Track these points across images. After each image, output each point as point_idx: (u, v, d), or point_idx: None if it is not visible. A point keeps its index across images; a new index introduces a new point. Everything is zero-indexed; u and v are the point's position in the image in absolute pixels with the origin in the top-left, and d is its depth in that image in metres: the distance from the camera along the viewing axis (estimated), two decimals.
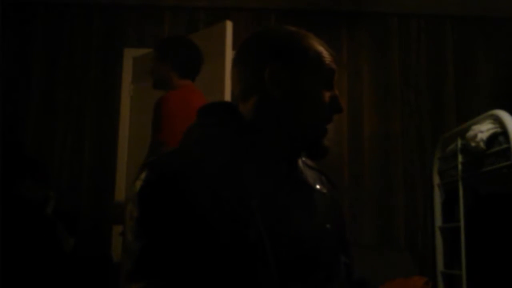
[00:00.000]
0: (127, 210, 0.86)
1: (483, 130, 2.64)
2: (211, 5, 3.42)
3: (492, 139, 2.59)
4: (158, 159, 0.91)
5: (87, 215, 3.18)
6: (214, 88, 2.66)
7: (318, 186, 0.99)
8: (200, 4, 3.43)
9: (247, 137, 0.93)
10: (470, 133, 2.71)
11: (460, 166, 2.86)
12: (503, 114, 2.57)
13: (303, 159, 1.02)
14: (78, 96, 3.36)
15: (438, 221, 3.16)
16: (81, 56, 3.40)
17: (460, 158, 2.87)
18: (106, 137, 3.30)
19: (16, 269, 2.34)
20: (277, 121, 0.92)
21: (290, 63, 0.93)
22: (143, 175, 0.86)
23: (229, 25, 2.72)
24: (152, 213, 0.83)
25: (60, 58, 3.40)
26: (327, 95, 0.93)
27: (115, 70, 3.34)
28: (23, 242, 2.42)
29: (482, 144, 2.61)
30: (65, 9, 3.44)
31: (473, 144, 2.66)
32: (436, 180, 3.19)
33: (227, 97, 2.62)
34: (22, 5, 3.41)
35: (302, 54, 0.94)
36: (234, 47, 2.67)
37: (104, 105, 3.35)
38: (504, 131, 2.51)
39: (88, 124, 3.33)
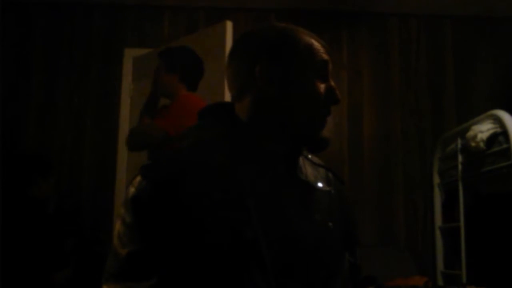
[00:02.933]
0: (120, 214, 0.86)
1: (483, 130, 2.64)
2: (211, 5, 3.42)
3: (492, 139, 2.59)
4: (152, 164, 0.89)
5: (87, 215, 3.18)
6: (214, 88, 2.66)
7: (320, 184, 0.98)
8: (200, 4, 3.43)
9: (242, 138, 0.92)
10: (470, 133, 2.71)
11: (460, 166, 2.86)
12: (503, 114, 2.57)
13: (309, 156, 1.02)
14: (78, 96, 3.36)
15: (438, 221, 3.16)
16: (81, 56, 3.40)
17: (460, 158, 2.87)
18: (106, 137, 3.30)
19: (19, 266, 2.35)
20: (273, 118, 0.92)
21: (279, 59, 0.92)
22: (136, 180, 0.86)
23: (229, 25, 2.72)
24: (144, 221, 0.82)
25: (60, 58, 3.40)
26: (321, 87, 0.92)
27: (115, 70, 3.34)
28: (33, 241, 2.43)
29: (482, 144, 2.61)
30: (65, 9, 3.44)
31: (473, 144, 2.66)
32: (436, 180, 3.19)
33: (227, 97, 2.61)
34: (22, 5, 3.41)
35: (291, 49, 0.93)
36: None
37: (104, 105, 3.35)
38: (504, 131, 2.51)
39: (88, 124, 3.33)
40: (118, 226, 0.85)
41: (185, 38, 3.12)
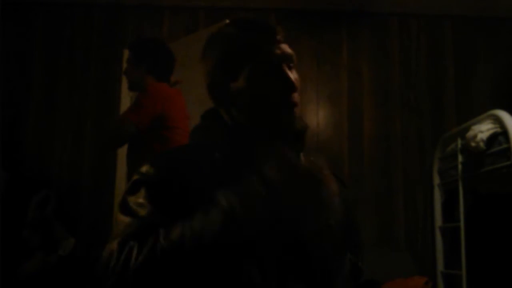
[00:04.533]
0: (125, 200, 0.88)
1: (483, 130, 2.63)
2: (211, 5, 3.42)
3: (492, 139, 2.59)
4: (158, 155, 0.93)
5: (87, 215, 3.18)
6: None
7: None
8: (200, 4, 3.43)
9: (238, 136, 0.95)
10: (470, 133, 2.71)
11: (460, 166, 2.86)
12: (503, 114, 2.56)
13: (311, 158, 1.02)
14: (78, 96, 3.36)
15: (438, 221, 3.15)
16: (81, 56, 3.40)
17: (460, 158, 2.87)
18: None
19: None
20: (238, 120, 0.96)
21: (221, 64, 0.96)
22: (142, 168, 0.89)
23: None
24: (149, 199, 0.85)
25: (60, 58, 3.40)
26: (275, 80, 0.93)
27: (115, 70, 3.34)
28: None
29: (482, 144, 2.61)
30: (65, 9, 3.44)
31: (473, 144, 2.66)
32: (436, 180, 3.18)
33: None
34: (22, 5, 3.41)
35: (231, 51, 0.95)
36: None
37: (104, 105, 3.35)
38: (504, 131, 2.51)
39: (88, 124, 3.33)
40: (130, 204, 0.86)
41: (185, 38, 3.12)
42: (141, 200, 0.85)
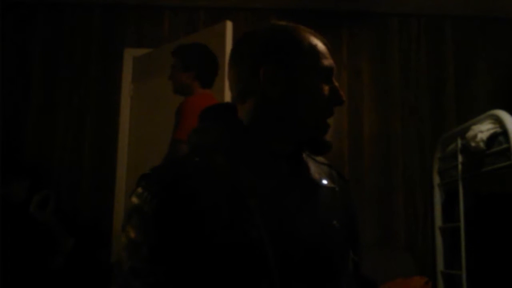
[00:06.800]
0: (124, 229, 0.86)
1: (483, 130, 2.64)
2: (211, 5, 3.42)
3: (492, 139, 2.59)
4: (152, 173, 0.87)
5: (87, 215, 3.18)
6: (214, 88, 2.66)
7: (325, 182, 0.98)
8: (200, 4, 3.43)
9: (244, 139, 0.92)
10: (470, 133, 2.71)
11: (460, 166, 2.86)
12: (503, 114, 2.56)
13: (313, 156, 1.02)
14: (78, 96, 3.36)
15: (438, 221, 3.16)
16: (81, 56, 3.40)
17: (460, 158, 2.87)
18: (106, 137, 3.30)
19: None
20: (277, 120, 0.91)
21: (284, 62, 0.91)
22: (138, 191, 0.85)
23: (229, 25, 2.72)
24: (146, 236, 0.82)
25: (60, 58, 3.40)
26: (326, 88, 0.92)
27: (115, 70, 3.34)
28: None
29: (482, 144, 2.61)
30: (65, 9, 3.44)
31: (473, 144, 2.66)
32: (436, 180, 3.19)
33: (227, 97, 2.62)
34: (22, 5, 3.41)
35: (296, 51, 0.92)
36: None
37: (104, 105, 3.35)
38: (504, 131, 2.51)
39: (88, 124, 3.33)
40: (123, 239, 0.85)
41: (185, 38, 3.12)
42: (133, 236, 0.83)
